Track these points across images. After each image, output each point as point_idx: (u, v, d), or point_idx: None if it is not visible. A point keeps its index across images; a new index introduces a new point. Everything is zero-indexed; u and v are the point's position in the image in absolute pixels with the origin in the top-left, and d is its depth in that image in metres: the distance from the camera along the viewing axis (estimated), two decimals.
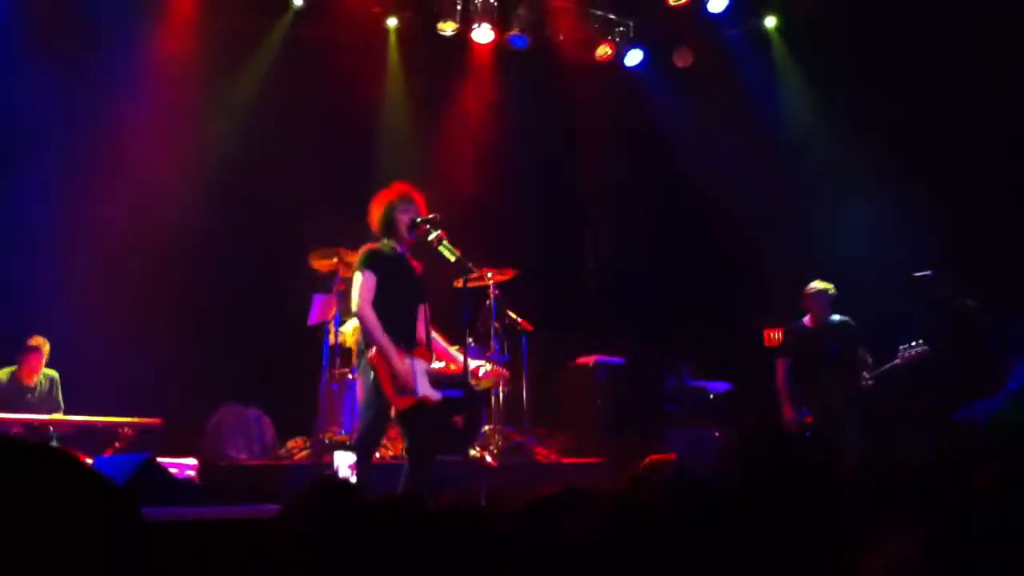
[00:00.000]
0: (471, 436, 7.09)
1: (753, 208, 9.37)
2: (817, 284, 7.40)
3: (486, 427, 7.95)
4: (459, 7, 9.61)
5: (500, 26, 9.86)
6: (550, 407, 9.10)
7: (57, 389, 7.90)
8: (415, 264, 5.70)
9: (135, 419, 7.51)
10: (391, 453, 7.30)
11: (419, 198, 5.66)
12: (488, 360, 7.55)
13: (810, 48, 9.61)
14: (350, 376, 7.62)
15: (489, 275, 7.93)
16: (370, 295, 5.33)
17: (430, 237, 5.58)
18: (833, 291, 7.34)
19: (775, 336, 9.33)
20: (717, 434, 8.21)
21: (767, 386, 7.72)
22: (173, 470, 6.60)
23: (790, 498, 1.76)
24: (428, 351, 5.60)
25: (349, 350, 7.54)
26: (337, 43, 9.59)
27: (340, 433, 7.59)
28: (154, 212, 8.45)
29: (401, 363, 5.24)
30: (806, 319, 7.50)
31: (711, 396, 9.15)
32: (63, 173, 8.15)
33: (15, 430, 7.12)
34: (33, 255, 7.99)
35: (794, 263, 8.73)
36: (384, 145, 9.99)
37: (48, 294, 7.87)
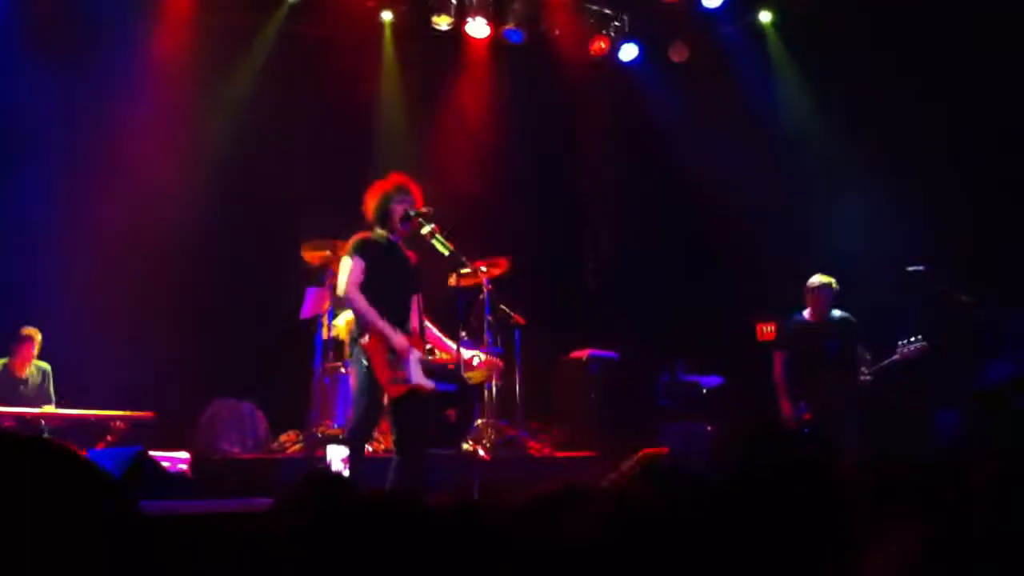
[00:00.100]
0: (464, 430, 7.11)
1: (749, 203, 9.38)
2: (820, 278, 7.30)
3: (479, 421, 7.95)
4: (454, 1, 9.59)
5: (495, 20, 9.84)
6: (543, 401, 9.10)
7: (49, 381, 7.87)
8: (409, 254, 5.68)
9: (127, 412, 7.48)
10: (383, 447, 7.29)
11: (415, 190, 5.65)
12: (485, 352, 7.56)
13: (806, 43, 9.61)
14: (343, 370, 7.61)
15: (483, 269, 7.92)
16: (357, 279, 5.32)
17: (423, 230, 5.58)
18: (836, 286, 7.26)
19: (767, 330, 9.34)
20: (710, 428, 8.22)
21: (760, 380, 7.71)
22: (165, 464, 6.57)
23: (787, 495, 1.75)
24: (421, 341, 5.59)
25: (342, 343, 7.52)
26: (332, 38, 9.58)
27: (333, 427, 7.57)
28: (148, 207, 8.42)
29: (399, 337, 5.23)
30: (806, 313, 7.40)
31: (704, 390, 9.16)
32: (59, 170, 8.13)
33: (6, 423, 7.10)
34: (28, 251, 7.96)
35: (790, 258, 8.74)
36: (379, 140, 9.98)
37: (42, 289, 7.85)
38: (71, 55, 8.22)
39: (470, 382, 7.50)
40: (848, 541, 1.66)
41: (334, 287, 7.44)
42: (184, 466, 7.10)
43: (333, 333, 7.71)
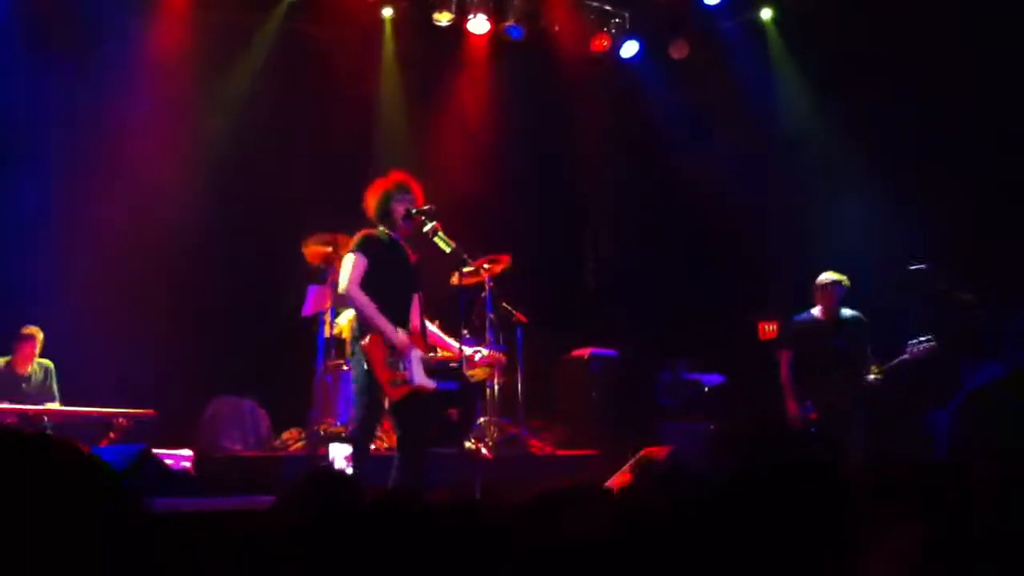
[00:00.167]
0: (466, 428, 7.12)
1: (749, 203, 9.37)
2: (831, 275, 7.18)
3: (481, 419, 7.96)
4: None
5: (496, 17, 9.84)
6: (545, 399, 9.10)
7: (52, 379, 7.87)
8: (410, 254, 5.68)
9: (130, 410, 7.48)
10: (386, 445, 7.29)
11: (416, 188, 5.65)
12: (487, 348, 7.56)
13: (806, 41, 9.60)
14: (345, 367, 7.61)
15: (485, 267, 7.92)
16: (359, 276, 5.31)
17: (425, 228, 5.58)
18: (847, 283, 7.15)
19: (769, 329, 9.33)
20: (712, 427, 8.22)
21: (762, 380, 7.69)
22: (168, 461, 6.58)
23: (788, 495, 1.76)
24: (423, 339, 5.59)
25: (344, 341, 7.53)
26: (332, 35, 9.55)
27: (335, 425, 7.58)
28: (149, 206, 8.42)
29: (398, 336, 5.23)
30: (816, 311, 7.28)
31: (706, 389, 9.15)
32: (59, 169, 8.13)
33: (9, 420, 7.10)
34: (29, 250, 7.97)
35: (790, 258, 8.75)
36: (379, 138, 9.97)
37: (44, 287, 7.85)
38: (70, 54, 8.22)
39: (473, 380, 7.51)
40: (849, 541, 1.66)
41: (336, 285, 7.45)
42: (187, 464, 7.12)
43: (335, 331, 7.71)
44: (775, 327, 9.25)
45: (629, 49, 10.29)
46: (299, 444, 7.71)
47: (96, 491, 1.30)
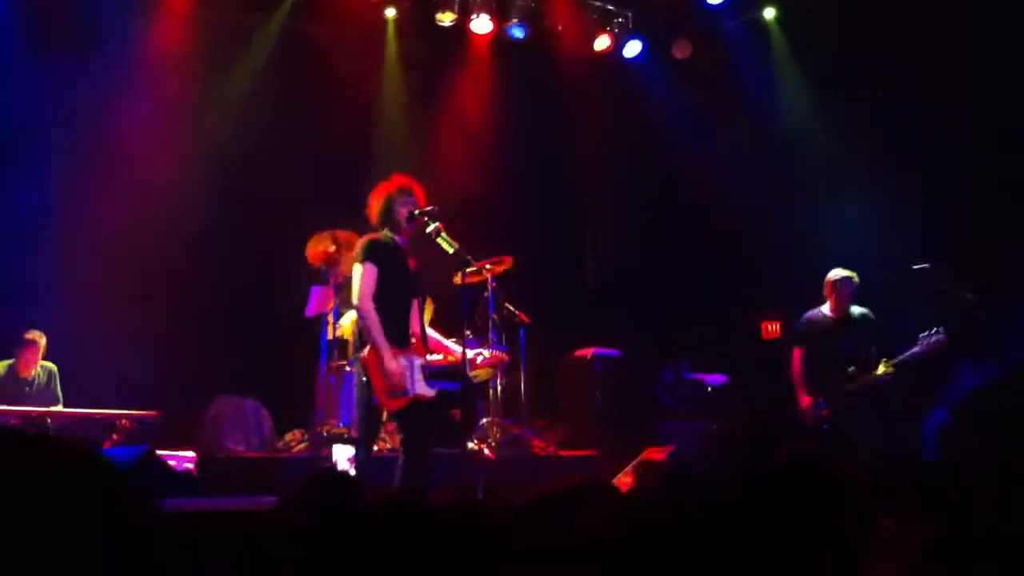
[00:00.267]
0: (468, 429, 7.11)
1: (750, 202, 9.37)
2: (841, 271, 7.15)
3: (484, 420, 7.96)
4: None
5: (498, 17, 9.84)
6: (548, 400, 9.11)
7: (55, 382, 7.88)
8: (410, 259, 5.69)
9: (132, 411, 7.49)
10: (389, 446, 7.30)
11: (418, 190, 5.66)
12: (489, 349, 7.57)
13: (809, 40, 9.59)
14: (347, 368, 7.61)
15: (487, 267, 7.93)
16: (371, 289, 5.32)
17: (428, 229, 5.59)
18: (857, 279, 7.11)
19: (772, 328, 9.32)
20: (712, 427, 8.22)
21: (763, 380, 7.68)
22: (171, 462, 6.59)
23: (789, 495, 1.76)
24: (423, 345, 5.60)
25: (347, 342, 7.53)
26: (334, 35, 9.56)
27: (338, 426, 7.58)
28: (151, 206, 8.42)
29: (393, 363, 5.23)
30: (826, 307, 7.25)
31: (708, 389, 9.15)
32: (60, 168, 8.13)
33: (12, 423, 7.11)
34: (30, 251, 7.97)
35: (790, 257, 8.74)
36: (381, 138, 9.97)
37: (46, 289, 7.84)
38: (71, 54, 8.21)
39: (476, 380, 7.51)
40: (850, 541, 1.67)
41: (338, 285, 7.46)
42: (190, 465, 7.12)
43: (338, 333, 7.71)
44: (778, 327, 9.25)
45: (632, 49, 10.29)
46: (302, 445, 7.71)
47: (98, 491, 1.30)
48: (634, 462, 6.89)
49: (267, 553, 1.97)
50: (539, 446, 8.41)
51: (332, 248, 7.61)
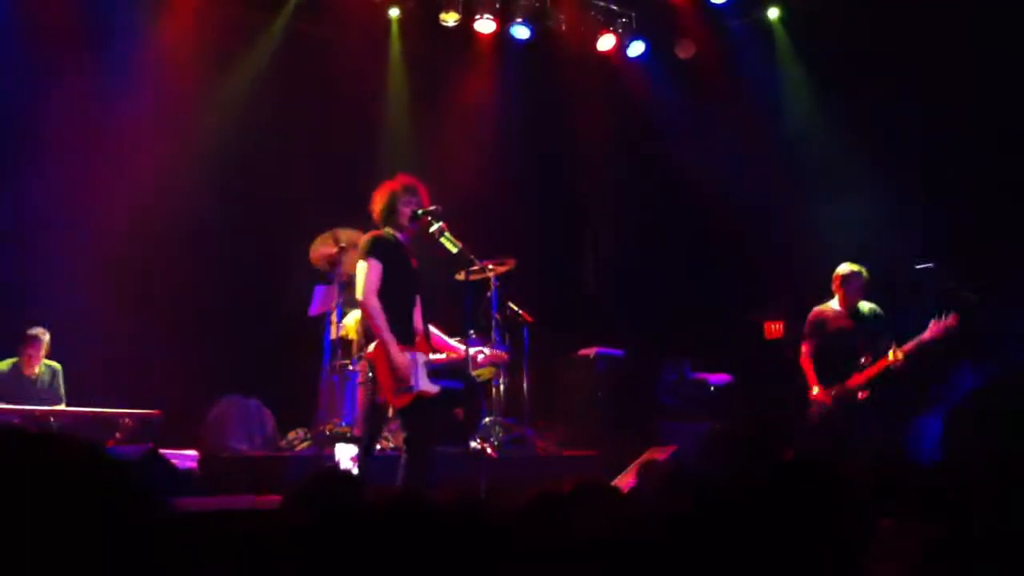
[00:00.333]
0: (471, 428, 7.12)
1: (752, 202, 9.36)
2: (850, 266, 7.09)
3: (486, 419, 7.96)
4: None
5: (502, 16, 9.85)
6: (550, 399, 9.11)
7: (59, 381, 7.89)
8: (412, 257, 5.70)
9: (135, 411, 7.50)
10: (391, 444, 7.31)
11: (423, 189, 5.66)
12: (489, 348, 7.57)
13: (813, 40, 9.58)
14: (351, 367, 7.62)
15: (490, 267, 7.94)
16: (375, 285, 5.32)
17: (432, 228, 5.59)
18: (866, 274, 7.05)
19: (775, 328, 9.32)
20: (710, 427, 8.21)
21: (767, 379, 7.66)
22: (173, 461, 6.60)
23: (789, 495, 1.77)
24: (426, 342, 5.61)
25: (350, 342, 7.54)
26: (338, 34, 9.56)
27: (341, 425, 7.59)
28: (154, 205, 8.43)
29: (400, 356, 5.24)
30: (834, 302, 7.19)
31: (711, 388, 9.15)
32: (62, 169, 8.15)
33: (15, 422, 7.12)
34: (33, 250, 8.00)
35: (790, 257, 8.74)
36: (385, 138, 9.98)
37: (48, 288, 7.86)
38: (73, 52, 8.23)
39: (478, 379, 7.52)
40: (850, 541, 1.67)
41: (342, 284, 7.47)
42: (192, 464, 7.13)
43: (341, 332, 7.72)
44: (781, 327, 9.25)
45: (636, 49, 10.29)
46: (305, 444, 7.72)
47: (105, 491, 1.31)
48: (636, 462, 6.89)
49: (270, 553, 1.98)
50: (541, 445, 8.41)
51: (335, 249, 7.62)
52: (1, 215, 7.81)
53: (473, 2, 9.66)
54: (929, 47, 7.98)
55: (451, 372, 5.70)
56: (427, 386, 5.34)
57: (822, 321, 7.22)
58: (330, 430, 7.46)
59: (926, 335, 6.71)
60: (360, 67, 9.71)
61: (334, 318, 7.71)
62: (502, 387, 8.30)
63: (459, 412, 5.78)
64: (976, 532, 1.48)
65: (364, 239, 5.53)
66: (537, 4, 9.94)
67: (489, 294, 8.10)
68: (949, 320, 6.62)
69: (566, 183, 10.97)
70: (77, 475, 1.26)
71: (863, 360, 6.89)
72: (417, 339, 5.49)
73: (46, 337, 7.78)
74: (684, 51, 10.30)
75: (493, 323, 8.05)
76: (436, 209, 5.61)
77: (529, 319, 8.35)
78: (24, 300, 7.79)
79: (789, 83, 9.89)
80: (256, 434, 7.73)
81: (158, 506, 1.35)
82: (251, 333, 8.62)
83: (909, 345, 6.77)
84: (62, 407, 7.63)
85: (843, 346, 7.01)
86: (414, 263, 5.68)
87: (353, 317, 7.46)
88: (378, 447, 6.16)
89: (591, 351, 9.20)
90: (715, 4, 9.77)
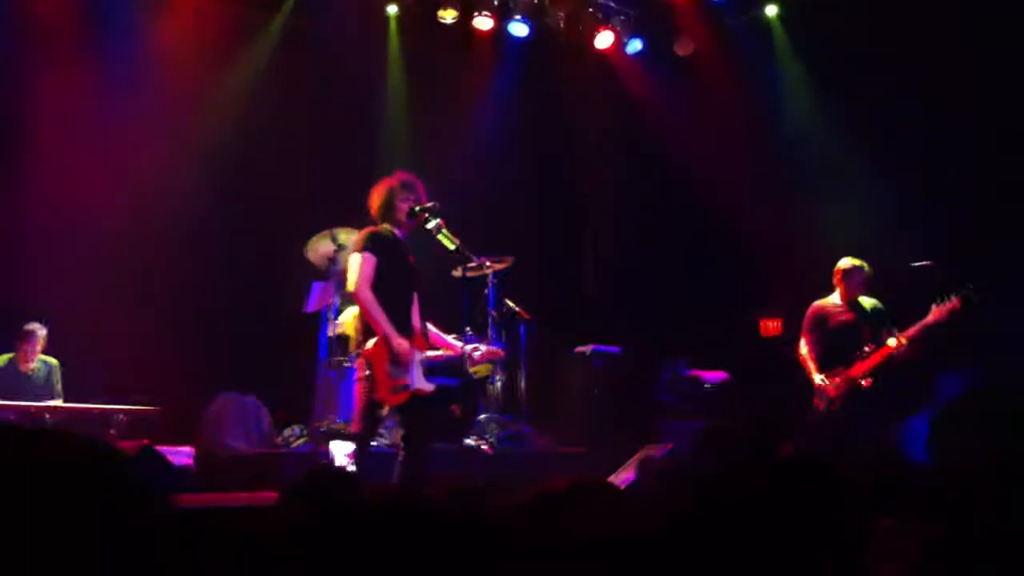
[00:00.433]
0: (467, 424, 7.12)
1: (750, 201, 9.36)
2: (852, 260, 7.12)
3: (482, 415, 7.96)
4: None
5: (500, 14, 9.84)
6: (546, 396, 9.11)
7: (55, 376, 7.88)
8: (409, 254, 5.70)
9: (131, 407, 7.49)
10: (387, 441, 7.30)
11: (420, 186, 5.65)
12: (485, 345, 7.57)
13: (811, 38, 9.58)
14: (347, 364, 7.62)
15: (487, 264, 7.93)
16: (369, 276, 5.30)
17: (429, 225, 5.58)
18: (868, 269, 7.07)
19: (772, 326, 9.32)
20: (703, 425, 8.19)
21: (763, 377, 7.65)
22: (169, 458, 6.58)
23: (790, 495, 1.76)
24: (424, 339, 5.60)
25: (347, 338, 7.53)
26: (337, 32, 9.54)
27: (337, 421, 7.58)
28: (152, 201, 8.44)
29: (401, 343, 5.22)
30: (835, 296, 7.20)
31: (707, 386, 9.15)
32: (60, 163, 8.14)
33: (11, 418, 7.11)
34: (32, 246, 8.00)
35: (790, 257, 8.73)
36: (383, 136, 9.98)
37: (46, 284, 7.86)
38: (73, 51, 8.23)
39: (475, 376, 7.52)
40: (850, 541, 1.66)
41: (339, 282, 7.46)
42: (187, 460, 7.12)
43: (339, 330, 7.72)
44: (778, 324, 9.25)
45: (634, 47, 10.28)
46: (301, 441, 7.71)
47: (101, 488, 1.30)
48: (633, 459, 6.89)
49: (266, 550, 1.97)
50: (537, 442, 8.41)
51: (333, 247, 7.62)
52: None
53: (472, 0, 9.66)
54: (928, 46, 7.97)
55: (447, 369, 5.69)
56: (423, 384, 5.33)
57: (823, 315, 7.21)
58: (326, 427, 7.46)
59: (929, 318, 6.71)
60: (358, 65, 9.70)
61: (331, 315, 7.70)
62: (499, 384, 8.29)
63: (455, 408, 5.78)
64: (976, 532, 1.48)
65: (361, 234, 5.52)
66: (535, 1, 9.93)
67: (486, 291, 8.10)
68: (953, 303, 6.62)
69: (564, 180, 10.96)
70: (76, 472, 1.25)
71: (866, 348, 6.91)
72: (415, 337, 5.47)
73: (42, 333, 7.77)
74: (683, 48, 10.29)
75: (490, 320, 8.05)
76: (434, 206, 5.60)
77: (526, 316, 8.35)
78: (22, 296, 7.78)
79: (788, 81, 9.88)
80: (252, 431, 7.72)
81: (158, 503, 1.34)
82: (248, 330, 8.61)
83: (912, 330, 6.77)
84: (58, 403, 7.62)
85: (846, 338, 7.00)
86: (412, 260, 5.67)
87: (351, 314, 7.45)
88: (374, 443, 6.15)
89: (587, 348, 9.21)
90: (714, 1, 9.77)
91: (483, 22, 9.79)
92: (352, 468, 5.54)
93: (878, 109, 8.60)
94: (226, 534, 2.17)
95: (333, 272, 7.60)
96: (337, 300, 7.69)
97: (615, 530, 1.72)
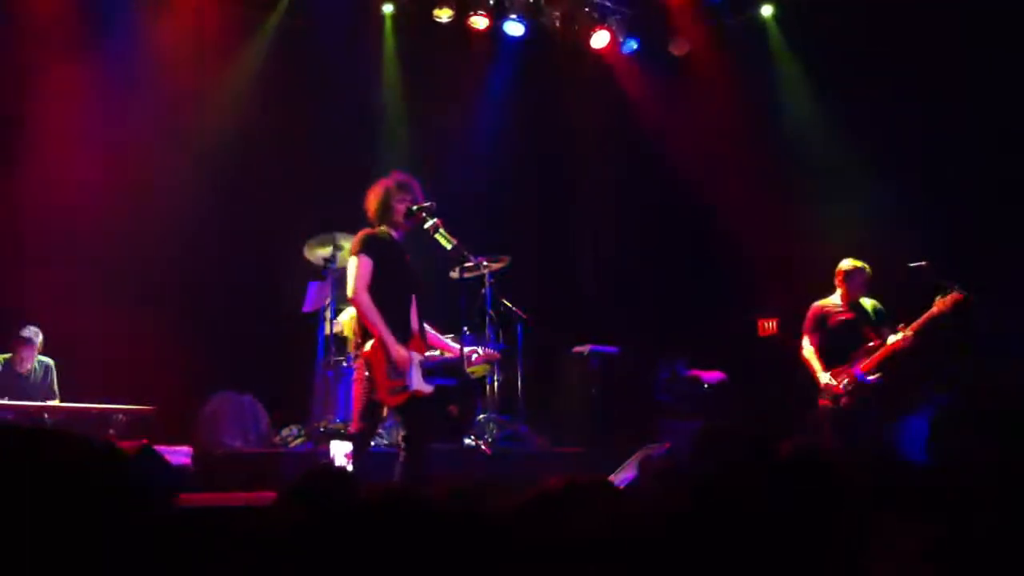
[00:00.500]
0: (466, 425, 7.11)
1: (749, 200, 9.36)
2: (853, 262, 7.16)
3: (481, 416, 7.97)
4: None
5: (495, 13, 9.84)
6: (545, 396, 9.11)
7: (52, 377, 7.87)
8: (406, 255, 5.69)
9: (129, 407, 7.48)
10: (386, 441, 7.30)
11: (417, 186, 5.64)
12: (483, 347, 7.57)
13: (807, 38, 9.58)
14: (345, 364, 7.61)
15: (484, 264, 7.92)
16: (366, 281, 5.30)
17: (426, 225, 5.57)
18: (868, 270, 7.11)
19: (769, 326, 9.32)
20: (699, 425, 8.20)
21: (760, 377, 7.64)
22: (167, 457, 6.57)
23: (789, 494, 1.76)
24: (422, 341, 5.59)
25: (345, 338, 7.53)
26: (332, 31, 9.54)
27: (335, 421, 7.58)
28: (149, 201, 8.43)
29: (399, 351, 5.23)
30: (836, 296, 7.23)
31: (705, 386, 9.16)
32: (58, 163, 8.14)
33: (9, 417, 7.10)
34: (28, 245, 7.98)
35: (789, 257, 8.72)
36: (379, 134, 9.97)
37: (44, 283, 7.85)
38: (72, 51, 8.22)
39: (473, 376, 7.51)
40: (851, 540, 1.66)
41: (336, 282, 7.46)
42: (185, 460, 7.11)
43: (336, 329, 7.71)
44: (775, 324, 9.25)
45: (630, 46, 10.28)
46: (299, 441, 7.71)
47: (101, 487, 1.30)
48: (633, 458, 6.89)
49: (264, 550, 1.97)
50: (536, 442, 8.41)
51: (330, 249, 7.62)
52: None
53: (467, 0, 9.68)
54: (926, 45, 7.97)
55: (445, 370, 5.68)
56: (421, 386, 5.33)
57: (824, 315, 7.23)
58: (324, 426, 7.46)
59: (934, 310, 6.74)
60: (354, 64, 9.70)
61: (328, 315, 7.70)
62: (496, 384, 8.29)
63: (454, 409, 5.76)
64: (976, 532, 1.48)
65: (356, 237, 5.51)
66: (531, 0, 9.94)
67: (483, 291, 8.09)
68: (956, 294, 6.65)
69: (560, 180, 10.96)
70: (77, 472, 1.25)
71: (872, 344, 6.92)
72: (413, 338, 5.47)
73: (39, 339, 7.77)
74: (679, 48, 10.29)
75: (487, 320, 8.04)
76: (430, 205, 5.59)
77: (524, 316, 8.35)
78: (20, 296, 7.77)
79: (785, 81, 9.89)
80: (250, 430, 7.72)
81: (158, 503, 1.34)
82: (245, 329, 8.61)
83: (918, 322, 6.80)
84: (56, 403, 7.61)
85: (847, 338, 7.03)
86: (409, 260, 5.66)
87: (348, 314, 7.45)
88: (373, 443, 6.15)
89: (585, 348, 9.21)
90: (709, 1, 9.77)
91: (479, 21, 9.78)
92: (350, 468, 5.53)
93: (875, 108, 8.60)
94: (224, 534, 2.17)
95: (330, 272, 7.60)
96: (334, 300, 7.69)
97: (614, 530, 1.72)
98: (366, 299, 5.26)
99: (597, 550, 1.65)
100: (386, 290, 5.34)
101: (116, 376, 7.73)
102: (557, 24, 10.18)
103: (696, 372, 9.27)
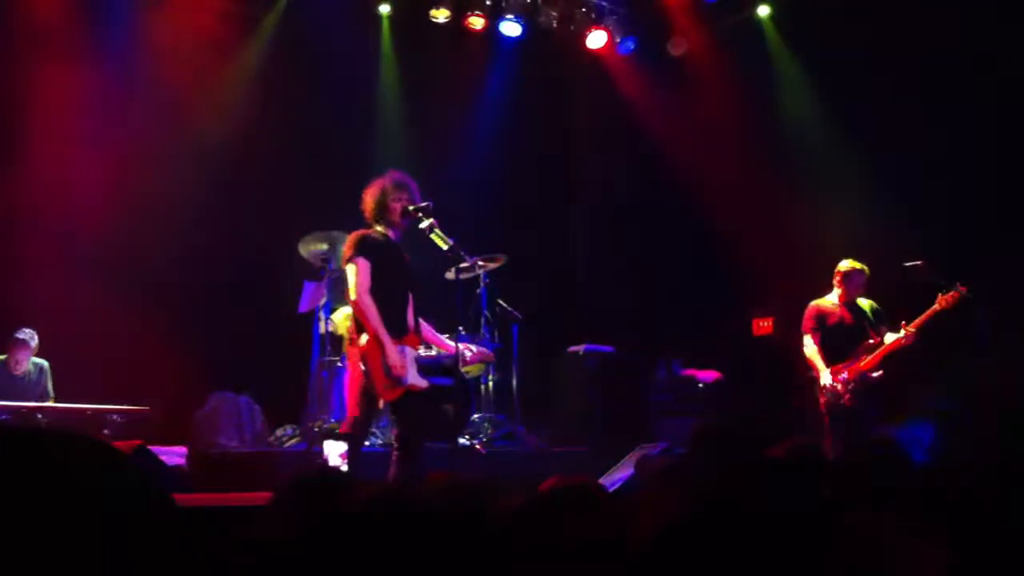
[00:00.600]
0: (461, 424, 7.11)
1: (746, 200, 9.36)
2: (852, 263, 7.19)
3: (476, 415, 7.96)
4: None
5: (492, 13, 9.84)
6: (540, 395, 9.10)
7: (47, 378, 7.86)
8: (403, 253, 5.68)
9: (123, 407, 7.47)
10: (380, 441, 7.29)
11: (413, 185, 5.64)
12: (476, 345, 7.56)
13: (804, 38, 9.58)
14: (340, 364, 7.60)
15: (480, 264, 7.92)
16: (367, 283, 5.30)
17: (422, 225, 5.57)
18: (867, 271, 7.15)
19: (764, 325, 9.33)
20: (695, 424, 8.19)
21: (755, 376, 7.64)
22: (162, 458, 6.57)
23: (787, 494, 1.76)
24: (417, 337, 5.59)
25: (340, 338, 7.52)
26: (330, 31, 9.53)
27: (330, 421, 7.56)
28: (145, 201, 8.42)
29: (395, 353, 5.22)
30: (834, 296, 7.27)
31: (700, 386, 9.15)
32: (56, 165, 8.11)
33: (3, 418, 7.09)
34: (25, 245, 7.96)
35: (788, 257, 8.72)
36: (376, 134, 9.97)
37: (39, 282, 7.83)
38: (71, 51, 8.21)
39: (468, 376, 7.50)
40: (847, 540, 1.66)
41: (331, 281, 7.45)
42: (181, 460, 7.10)
43: (331, 328, 7.70)
44: (770, 323, 9.26)
45: (627, 46, 10.28)
46: (294, 440, 7.69)
47: (101, 487, 1.28)
48: (628, 457, 6.89)
49: (261, 550, 1.96)
50: (531, 442, 8.40)
51: (325, 246, 7.61)
52: None
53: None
54: (924, 44, 7.98)
55: (441, 369, 5.68)
56: (416, 380, 5.33)
57: (823, 315, 7.26)
58: (319, 426, 7.44)
59: (936, 306, 6.76)
60: (351, 64, 9.70)
61: (323, 314, 7.68)
62: (491, 384, 8.29)
63: (449, 408, 5.76)
64: (976, 532, 1.47)
65: (351, 239, 5.50)
66: (528, 0, 9.94)
67: (479, 291, 8.08)
68: (959, 289, 6.67)
69: (556, 179, 10.96)
70: (76, 472, 1.24)
71: (872, 342, 6.93)
72: (408, 335, 5.46)
73: (34, 342, 7.78)
74: (676, 48, 10.30)
75: (483, 320, 8.04)
76: (426, 205, 5.59)
77: (519, 316, 8.35)
78: (16, 295, 7.76)
79: (781, 81, 9.89)
80: (246, 430, 7.70)
81: (158, 503, 1.33)
82: (241, 330, 8.59)
83: (919, 319, 6.83)
84: (50, 403, 7.60)
85: (845, 338, 7.07)
86: (406, 259, 5.66)
87: (342, 313, 7.44)
88: (367, 443, 6.14)
89: (581, 348, 9.20)
90: (706, 1, 9.77)
91: (476, 22, 9.78)
92: (345, 468, 5.52)
93: (873, 108, 8.60)
94: (219, 534, 2.16)
95: (326, 271, 7.59)
96: (330, 300, 7.67)
97: (605, 530, 1.71)
98: (368, 301, 5.27)
99: (596, 550, 1.64)
100: (382, 289, 5.35)
101: (112, 376, 7.73)
102: (554, 24, 10.18)
103: (692, 372, 9.26)
